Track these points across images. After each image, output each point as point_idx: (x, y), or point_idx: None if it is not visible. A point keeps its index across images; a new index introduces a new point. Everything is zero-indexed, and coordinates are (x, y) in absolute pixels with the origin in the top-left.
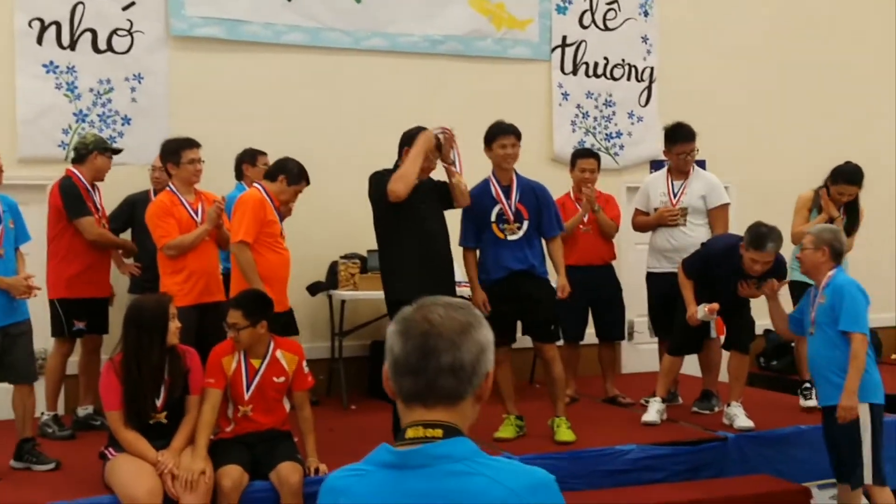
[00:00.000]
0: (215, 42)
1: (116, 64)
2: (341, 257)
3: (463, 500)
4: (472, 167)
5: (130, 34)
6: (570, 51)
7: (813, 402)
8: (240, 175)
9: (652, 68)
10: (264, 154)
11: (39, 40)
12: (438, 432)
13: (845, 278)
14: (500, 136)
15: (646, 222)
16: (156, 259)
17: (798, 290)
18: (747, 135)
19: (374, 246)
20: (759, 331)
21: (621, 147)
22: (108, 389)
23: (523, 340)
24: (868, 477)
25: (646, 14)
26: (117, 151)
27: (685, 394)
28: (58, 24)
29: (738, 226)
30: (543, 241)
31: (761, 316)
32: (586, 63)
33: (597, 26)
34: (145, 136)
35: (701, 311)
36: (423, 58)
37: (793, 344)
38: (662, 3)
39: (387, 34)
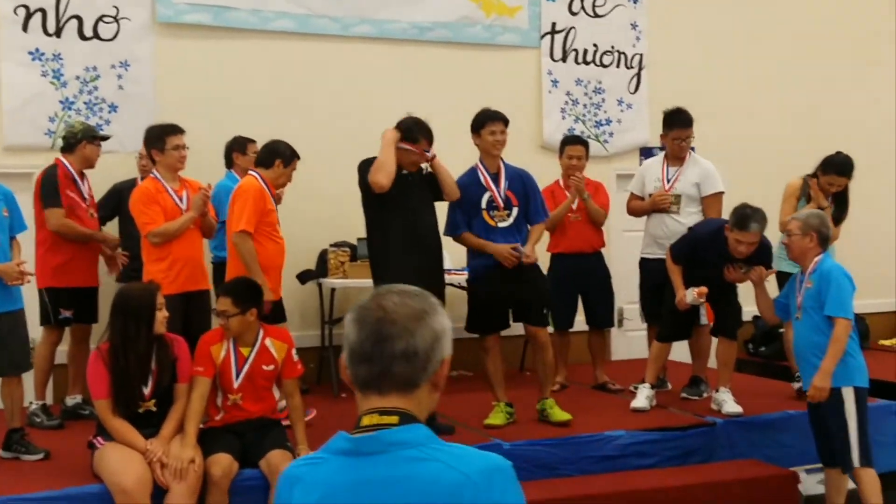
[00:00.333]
0: (202, 28)
1: (103, 51)
2: (331, 245)
3: (418, 485)
4: (460, 155)
5: (116, 21)
6: (559, 38)
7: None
8: (230, 163)
9: (641, 55)
10: (253, 142)
11: (25, 27)
12: (394, 419)
13: (832, 264)
14: (489, 122)
15: (640, 207)
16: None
17: (784, 280)
18: (737, 121)
19: (364, 234)
20: (747, 317)
21: (611, 134)
22: (96, 378)
23: (513, 328)
24: (856, 459)
25: (635, 1)
26: (106, 138)
27: (674, 380)
28: (43, 11)
29: (726, 212)
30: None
31: (749, 302)
32: (576, 50)
33: (586, 13)
34: (132, 124)
35: (690, 295)
36: (411, 45)
37: (781, 330)
38: None
39: (375, 21)
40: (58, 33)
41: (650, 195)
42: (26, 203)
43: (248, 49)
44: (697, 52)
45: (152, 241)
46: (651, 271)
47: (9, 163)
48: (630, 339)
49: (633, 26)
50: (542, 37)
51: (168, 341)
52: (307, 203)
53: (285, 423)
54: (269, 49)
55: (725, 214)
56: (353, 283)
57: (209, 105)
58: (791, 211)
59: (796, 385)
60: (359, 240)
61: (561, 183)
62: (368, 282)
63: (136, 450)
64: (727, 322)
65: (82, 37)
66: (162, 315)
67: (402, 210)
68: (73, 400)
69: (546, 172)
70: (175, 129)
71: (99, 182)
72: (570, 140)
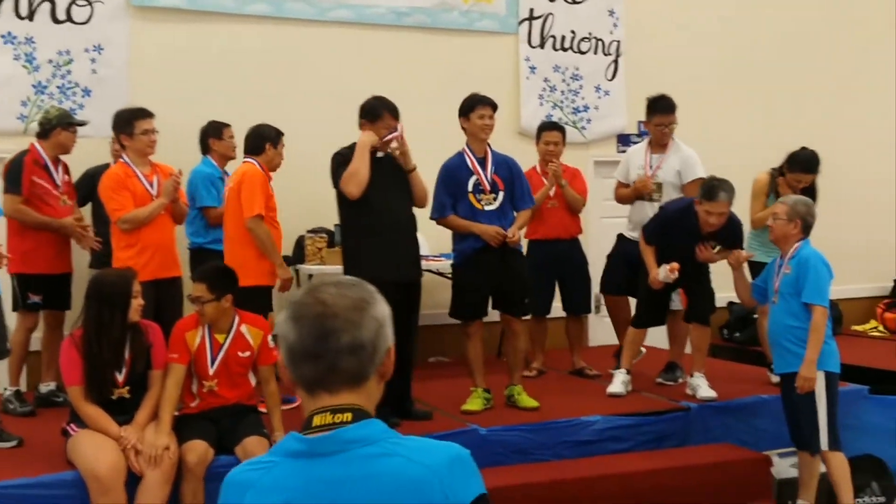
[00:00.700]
0: (177, 12)
1: (76, 34)
2: (308, 231)
3: (381, 483)
4: (437, 140)
5: (90, 4)
6: (537, 24)
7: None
8: (205, 149)
9: (618, 42)
10: (228, 126)
11: None
12: (347, 416)
13: (811, 251)
14: (479, 106)
15: (625, 195)
16: None
17: (758, 270)
18: (714, 109)
19: None
20: (722, 303)
21: (588, 121)
22: (69, 364)
23: (491, 315)
24: (824, 443)
25: None
26: (82, 124)
27: (650, 366)
28: None
29: None
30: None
31: (724, 288)
32: (553, 36)
33: (564, 0)
34: (106, 108)
35: (662, 272)
36: (389, 30)
37: (755, 316)
38: None
39: (352, 5)
40: (30, 16)
41: (634, 182)
42: None
43: (223, 33)
44: (675, 40)
45: (122, 227)
46: (626, 248)
47: None
48: (607, 324)
49: (611, 13)
50: (520, 23)
51: (143, 328)
52: (283, 189)
53: (262, 410)
54: (245, 33)
55: None
56: (331, 269)
57: (184, 89)
58: (761, 208)
59: (775, 379)
60: (336, 226)
61: (538, 169)
62: None
63: (110, 436)
64: (700, 307)
65: (55, 20)
66: (137, 303)
67: (374, 200)
68: (46, 387)
69: (523, 158)
70: (144, 113)
71: (72, 167)
72: (547, 126)
